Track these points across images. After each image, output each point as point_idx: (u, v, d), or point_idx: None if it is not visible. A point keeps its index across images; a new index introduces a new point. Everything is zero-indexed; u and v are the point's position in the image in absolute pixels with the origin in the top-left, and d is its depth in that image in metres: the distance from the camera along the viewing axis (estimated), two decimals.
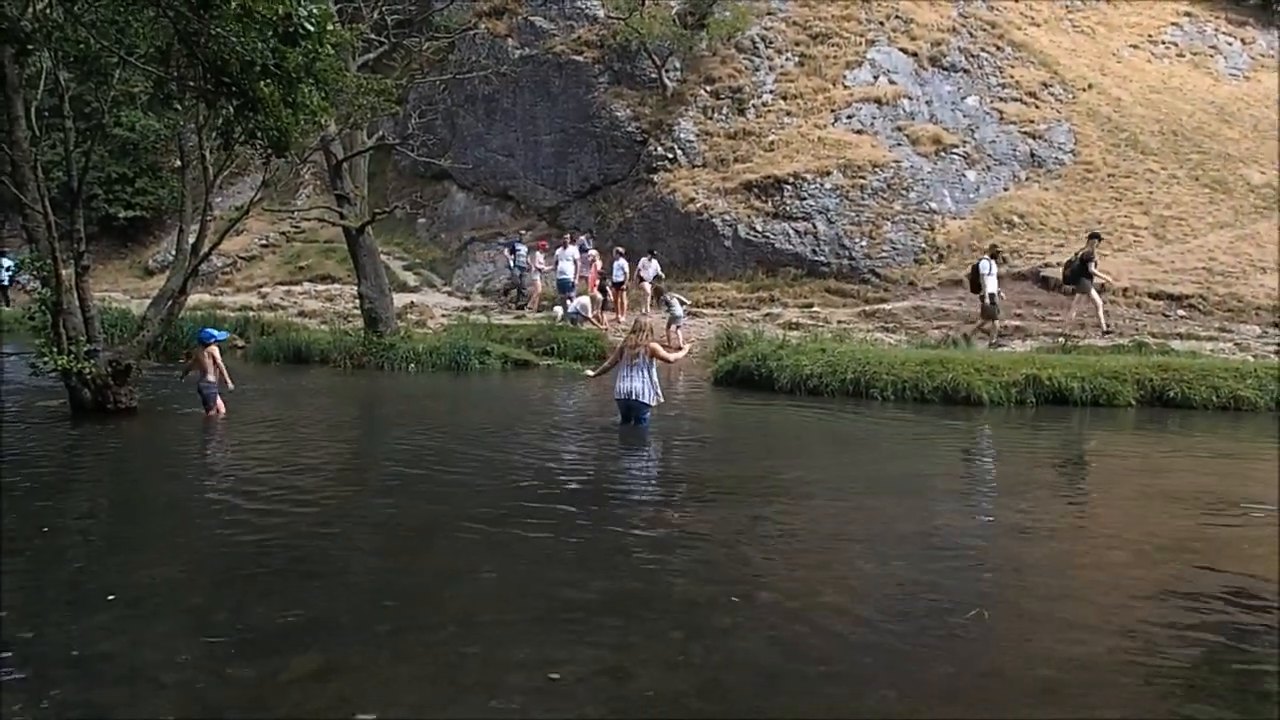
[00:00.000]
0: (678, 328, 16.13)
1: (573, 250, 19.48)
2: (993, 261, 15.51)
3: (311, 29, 6.32)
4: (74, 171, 9.70)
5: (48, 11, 8.31)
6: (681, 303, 16.73)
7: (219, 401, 9.58)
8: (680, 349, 11.29)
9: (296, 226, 26.29)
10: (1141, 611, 4.21)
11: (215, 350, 9.65)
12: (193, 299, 15.49)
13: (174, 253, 11.49)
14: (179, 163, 13.83)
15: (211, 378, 9.55)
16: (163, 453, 8.03)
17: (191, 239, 10.58)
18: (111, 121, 15.05)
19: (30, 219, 9.28)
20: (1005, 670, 3.56)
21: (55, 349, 9.23)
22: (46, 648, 3.64)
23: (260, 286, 23.97)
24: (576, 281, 19.22)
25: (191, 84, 7.29)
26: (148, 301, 11.82)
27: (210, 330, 10.18)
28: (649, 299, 18.78)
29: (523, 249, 21.60)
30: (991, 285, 15.17)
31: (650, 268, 19.26)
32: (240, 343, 16.66)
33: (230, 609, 4.12)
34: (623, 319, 18.68)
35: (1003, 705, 3.28)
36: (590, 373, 11.07)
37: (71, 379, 9.38)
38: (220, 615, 4.04)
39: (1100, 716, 3.20)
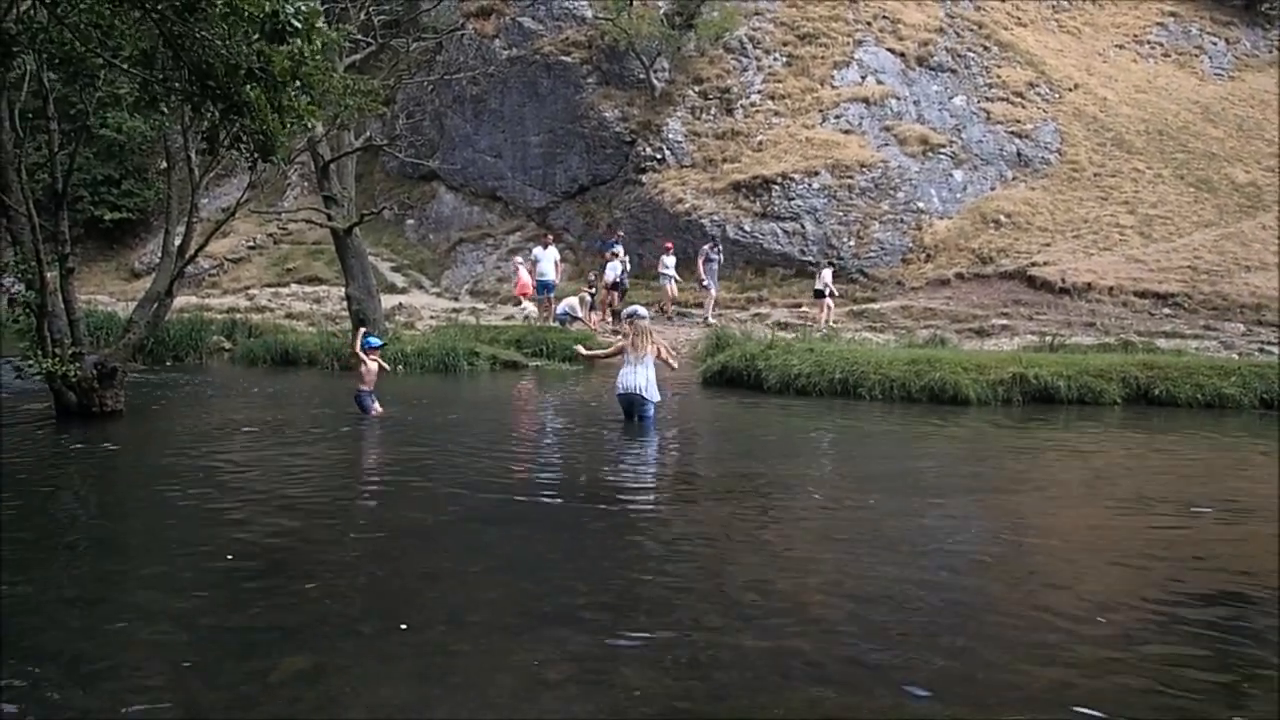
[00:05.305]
0: None
1: (553, 250, 19.36)
2: None
3: (299, 26, 6.23)
4: (59, 173, 9.64)
5: (31, 14, 8.25)
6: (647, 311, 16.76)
7: (375, 405, 9.83)
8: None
9: (284, 228, 26.24)
10: (1135, 611, 4.25)
11: (376, 357, 10.01)
12: (179, 301, 15.45)
13: (160, 255, 11.43)
14: (165, 164, 13.78)
15: (365, 385, 9.85)
16: (148, 456, 7.99)
17: (178, 241, 10.53)
18: (97, 123, 15.00)
19: (14, 221, 9.22)
20: (999, 670, 3.58)
21: (40, 352, 9.16)
22: (33, 650, 3.63)
23: (247, 288, 23.89)
24: (557, 282, 19.18)
25: (177, 86, 7.23)
26: (134, 304, 11.77)
27: (371, 339, 10.51)
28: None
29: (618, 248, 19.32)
30: None
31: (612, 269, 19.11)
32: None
33: (217, 611, 4.11)
34: (611, 320, 18.71)
35: (996, 706, 3.30)
36: (583, 350, 11.21)
37: (56, 382, 9.31)
38: (207, 618, 4.03)
39: (1094, 715, 3.22)
